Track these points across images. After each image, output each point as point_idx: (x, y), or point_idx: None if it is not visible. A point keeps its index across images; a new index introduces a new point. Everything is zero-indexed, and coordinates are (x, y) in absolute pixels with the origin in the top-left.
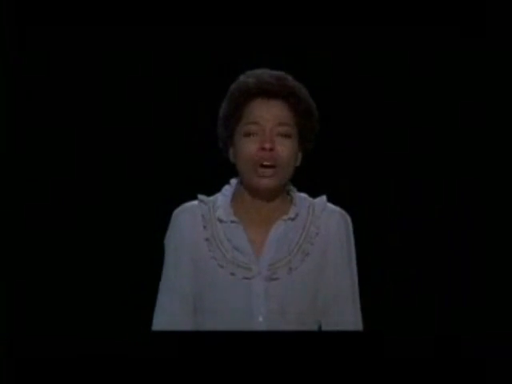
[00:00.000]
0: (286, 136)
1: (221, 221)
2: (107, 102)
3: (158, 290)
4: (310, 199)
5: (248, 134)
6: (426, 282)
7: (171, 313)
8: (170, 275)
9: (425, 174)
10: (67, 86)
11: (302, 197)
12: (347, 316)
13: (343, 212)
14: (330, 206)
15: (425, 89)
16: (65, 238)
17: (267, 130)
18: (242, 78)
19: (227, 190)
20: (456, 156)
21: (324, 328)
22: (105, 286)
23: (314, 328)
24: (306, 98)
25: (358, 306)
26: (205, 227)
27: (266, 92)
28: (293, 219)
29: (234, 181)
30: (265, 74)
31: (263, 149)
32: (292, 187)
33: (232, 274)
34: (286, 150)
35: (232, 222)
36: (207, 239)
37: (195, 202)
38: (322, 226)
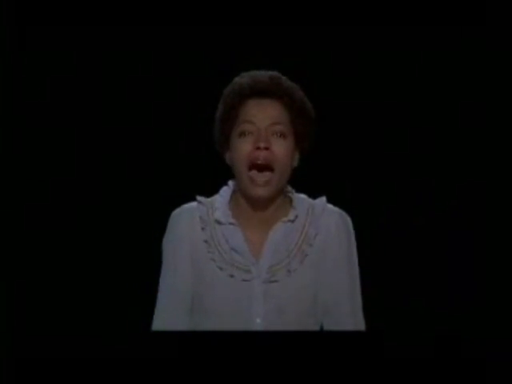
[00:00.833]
0: (282, 135)
1: (219, 223)
2: (107, 102)
3: (158, 290)
4: (310, 200)
5: (243, 134)
6: (426, 282)
7: (170, 313)
8: (168, 276)
9: (425, 174)
10: (67, 86)
11: (301, 198)
12: (347, 317)
13: (343, 213)
14: (330, 206)
15: (425, 89)
16: (64, 239)
17: (262, 130)
18: (236, 79)
19: (225, 191)
20: (456, 156)
21: (325, 329)
22: (104, 287)
23: (313, 329)
24: (300, 98)
25: (359, 306)
26: (203, 229)
27: (259, 92)
28: (292, 221)
29: (231, 182)
30: (258, 74)
31: (258, 148)
32: (290, 188)
33: (231, 275)
34: (281, 149)
35: (230, 223)
36: (206, 241)
37: (194, 204)
38: (321, 226)
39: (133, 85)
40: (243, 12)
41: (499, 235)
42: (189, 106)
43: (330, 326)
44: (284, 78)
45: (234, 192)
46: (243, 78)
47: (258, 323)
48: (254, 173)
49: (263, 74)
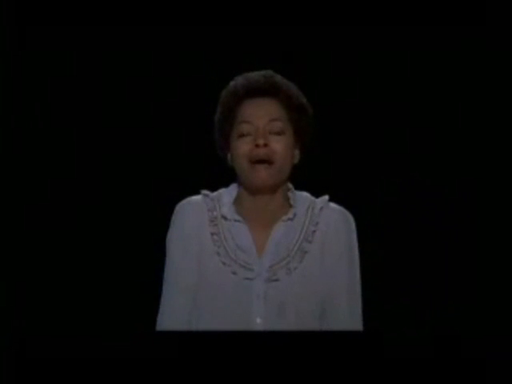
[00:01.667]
0: (280, 133)
1: (225, 218)
2: (107, 102)
3: (163, 284)
4: (312, 198)
5: (241, 135)
6: (426, 282)
7: (176, 308)
8: (174, 270)
9: (425, 173)
10: (67, 86)
11: (302, 196)
12: (343, 315)
13: (345, 211)
14: (332, 204)
15: (425, 89)
16: (65, 237)
17: (260, 128)
18: (231, 82)
19: (233, 188)
20: (457, 156)
21: (322, 326)
22: (105, 286)
23: (314, 328)
24: (296, 94)
25: (357, 305)
26: (212, 221)
27: (254, 91)
28: (291, 219)
29: (232, 186)
30: (252, 74)
31: (257, 145)
32: (291, 186)
33: (234, 273)
34: (280, 146)
35: (236, 220)
36: (213, 233)
37: (199, 196)
38: (321, 223)
39: (133, 85)
40: (243, 12)
41: (499, 235)
42: (189, 105)
43: (327, 322)
44: (278, 76)
45: (239, 191)
46: (238, 80)
47: (258, 323)
48: (254, 165)
49: (257, 74)
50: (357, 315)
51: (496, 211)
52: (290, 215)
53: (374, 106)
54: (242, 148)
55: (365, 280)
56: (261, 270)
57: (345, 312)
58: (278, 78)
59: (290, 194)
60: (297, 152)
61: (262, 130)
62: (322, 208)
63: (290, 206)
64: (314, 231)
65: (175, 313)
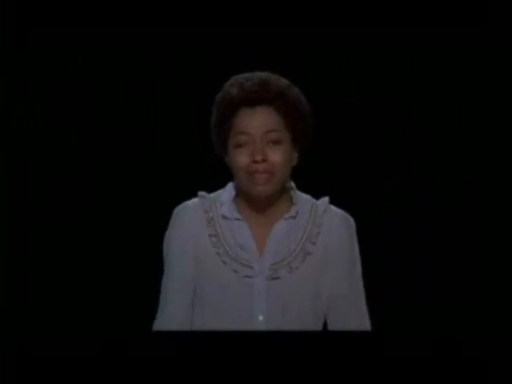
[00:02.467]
0: (277, 142)
1: (225, 218)
2: (107, 102)
3: (161, 286)
4: (313, 200)
5: (239, 146)
6: (426, 282)
7: (174, 310)
8: (172, 272)
9: (425, 174)
10: (67, 86)
11: (304, 196)
12: (350, 317)
13: (346, 214)
14: (333, 207)
15: (425, 89)
16: (66, 237)
17: (257, 140)
18: (226, 86)
19: (230, 187)
20: (457, 156)
21: (330, 328)
22: (105, 286)
23: (315, 328)
24: (293, 99)
25: (363, 306)
26: (209, 223)
27: (249, 100)
28: (294, 217)
29: (229, 185)
30: (248, 81)
31: (255, 161)
32: (293, 185)
33: (234, 271)
34: (278, 157)
35: (236, 219)
36: (212, 235)
37: (195, 199)
38: (324, 226)
39: (133, 85)
40: (243, 12)
41: (499, 235)
42: (189, 105)
43: (334, 326)
44: (275, 77)
45: (238, 189)
46: (233, 86)
47: (260, 320)
48: (253, 175)
49: (252, 80)
50: (364, 316)
51: (496, 211)
52: (293, 213)
53: (373, 106)
54: (240, 160)
55: (365, 280)
56: (262, 267)
57: (353, 314)
58: (275, 80)
59: (292, 192)
60: (295, 155)
61: (260, 142)
62: (324, 210)
63: (292, 204)
64: (318, 233)
65: (173, 314)
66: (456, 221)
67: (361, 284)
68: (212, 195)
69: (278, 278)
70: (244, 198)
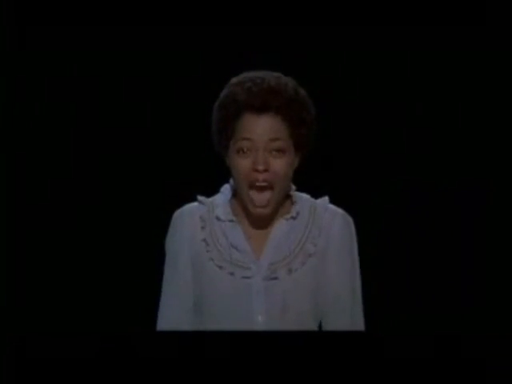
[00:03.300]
0: (280, 151)
1: (219, 219)
2: (107, 102)
3: (161, 292)
4: (312, 200)
5: (241, 151)
6: (426, 282)
7: (174, 316)
8: (171, 278)
9: (425, 174)
10: (67, 86)
11: (303, 197)
12: (346, 318)
13: (345, 213)
14: (332, 207)
15: (425, 89)
16: (66, 237)
17: (260, 148)
18: (232, 85)
19: (226, 188)
20: (457, 157)
21: (323, 328)
22: (105, 285)
23: (314, 328)
24: (300, 108)
25: (360, 308)
26: (202, 228)
27: (255, 106)
28: (294, 218)
29: (225, 187)
30: (256, 85)
31: (257, 170)
32: (292, 186)
33: (231, 273)
34: (281, 167)
35: (230, 221)
36: (204, 240)
37: (195, 204)
38: (324, 226)
39: (132, 85)
40: (243, 12)
41: (499, 235)
42: (189, 106)
43: (329, 325)
44: (284, 82)
45: (234, 190)
46: (239, 88)
47: (259, 321)
48: (253, 193)
49: (261, 83)
50: (360, 317)
51: (496, 211)
52: (294, 214)
53: (373, 106)
54: (241, 166)
55: (365, 280)
56: (259, 268)
57: (349, 314)
58: (284, 89)
59: (291, 192)
60: (296, 160)
61: (262, 150)
62: (325, 210)
63: (292, 204)
64: (319, 234)
65: (173, 319)
66: (456, 221)
67: (359, 285)
68: (210, 199)
69: (276, 278)
70: (241, 199)
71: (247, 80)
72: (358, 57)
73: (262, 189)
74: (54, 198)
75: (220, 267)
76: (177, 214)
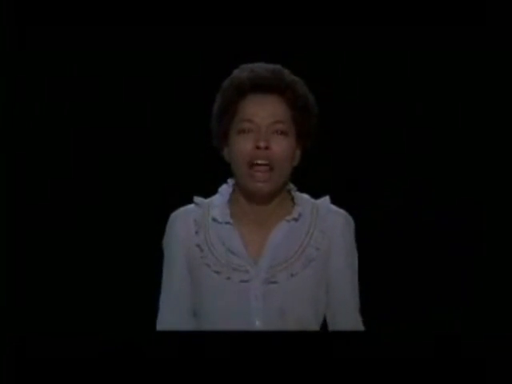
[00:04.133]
0: (282, 133)
1: (215, 221)
2: (107, 102)
3: (160, 294)
4: (313, 200)
5: (242, 132)
6: (426, 282)
7: (173, 319)
8: (168, 281)
9: (424, 175)
10: (67, 86)
11: (304, 197)
12: (351, 320)
13: (348, 215)
14: (334, 208)
15: (425, 89)
16: (66, 237)
17: (262, 128)
18: (235, 72)
19: (224, 189)
20: (458, 157)
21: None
22: (105, 285)
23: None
24: (303, 93)
25: (358, 308)
26: (196, 232)
27: (260, 87)
28: (296, 219)
29: (231, 180)
30: (259, 67)
31: (258, 147)
32: (292, 186)
33: (228, 278)
34: (282, 148)
35: (226, 223)
36: (198, 245)
37: (190, 206)
38: (327, 228)
39: (132, 85)
40: (241, 12)
41: (499, 235)
42: (188, 106)
43: (333, 327)
44: (287, 71)
45: (233, 190)
46: (243, 72)
47: (257, 326)
48: (253, 171)
49: (264, 68)
50: (360, 320)
51: (496, 212)
52: (295, 215)
53: (372, 106)
54: (242, 146)
55: (365, 280)
56: (258, 271)
57: (353, 318)
58: (286, 73)
59: (293, 193)
60: (298, 153)
61: (265, 130)
62: (327, 211)
63: (292, 205)
64: (323, 238)
65: (172, 322)
66: (456, 220)
67: (357, 286)
68: (207, 200)
69: (275, 282)
70: (239, 199)
71: (250, 65)
72: (358, 57)
73: (262, 168)
74: (54, 198)
75: (217, 272)
76: (172, 216)
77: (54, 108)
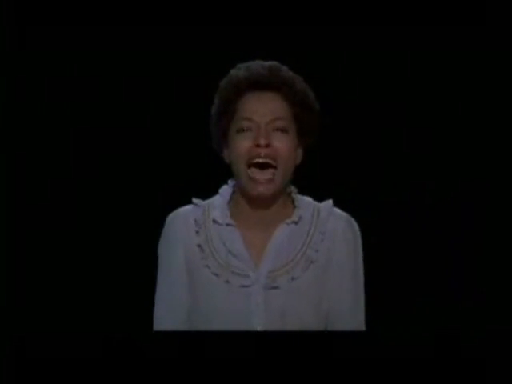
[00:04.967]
0: (283, 131)
1: (216, 222)
2: (106, 103)
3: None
4: (315, 203)
5: (241, 130)
6: (426, 282)
7: (168, 323)
8: (163, 284)
9: (424, 175)
10: (67, 86)
11: (305, 200)
12: (351, 325)
13: (351, 218)
14: (337, 210)
15: (425, 89)
16: (66, 237)
17: (262, 126)
18: (232, 71)
19: (225, 190)
20: (459, 157)
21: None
22: (105, 285)
23: None
24: (302, 89)
25: (362, 315)
26: (197, 232)
27: (257, 84)
28: (296, 223)
29: (232, 181)
30: (256, 65)
31: (258, 145)
32: (293, 188)
33: (227, 281)
34: (283, 144)
35: (228, 224)
36: (199, 245)
37: (189, 207)
38: (328, 231)
39: (132, 85)
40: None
41: (499, 235)
42: (188, 108)
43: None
44: (285, 67)
45: (234, 192)
46: (239, 71)
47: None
48: (254, 171)
49: (260, 65)
50: (362, 322)
51: (496, 212)
52: (295, 218)
53: (372, 106)
54: (242, 145)
55: (365, 280)
56: (258, 275)
57: (349, 320)
58: (284, 70)
59: (294, 195)
60: (300, 152)
61: (264, 127)
62: (328, 214)
63: (294, 208)
64: (322, 240)
65: (168, 326)
66: (456, 221)
67: (362, 290)
68: (206, 202)
69: (276, 287)
70: (240, 201)
71: (245, 64)
72: (358, 57)
73: (263, 166)
74: (54, 198)
75: (216, 275)
76: (170, 217)
77: (53, 108)
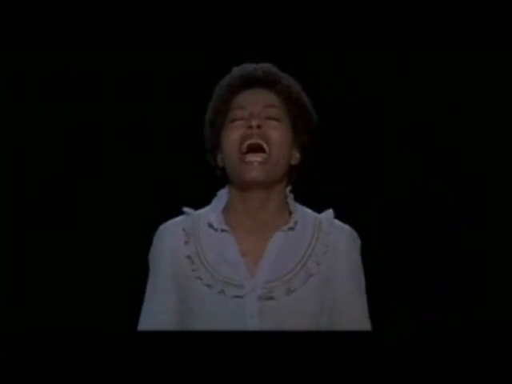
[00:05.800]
0: (276, 119)
1: (211, 226)
2: (106, 103)
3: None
4: (315, 214)
5: (234, 120)
6: (426, 282)
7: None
8: (150, 297)
9: (423, 175)
10: (67, 87)
11: (303, 209)
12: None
13: (352, 230)
14: (338, 222)
15: (425, 89)
16: (66, 237)
17: (254, 113)
18: (226, 77)
19: (222, 195)
20: (459, 158)
21: None
22: (106, 286)
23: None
24: (295, 88)
25: (369, 323)
26: (186, 243)
27: (250, 83)
28: (292, 229)
29: (222, 191)
30: (249, 67)
31: (250, 127)
32: (289, 193)
33: (221, 292)
34: (275, 132)
35: (222, 230)
36: (188, 257)
37: (179, 218)
38: (331, 243)
39: (132, 85)
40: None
41: (499, 235)
42: (189, 107)
43: None
44: (276, 68)
45: (226, 200)
46: (233, 73)
47: None
48: (246, 156)
49: (253, 66)
50: (367, 328)
51: (496, 212)
52: (291, 224)
53: (372, 106)
54: (234, 132)
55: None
56: (254, 285)
57: (358, 329)
58: (278, 71)
59: (288, 200)
60: (296, 154)
61: (257, 113)
62: (330, 225)
63: (289, 213)
64: (324, 253)
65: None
66: (456, 221)
67: (365, 302)
68: (198, 212)
69: (272, 298)
70: (235, 203)
71: (239, 67)
72: (358, 57)
73: (255, 149)
74: (53, 198)
75: (209, 286)
76: (159, 229)
77: (53, 108)
